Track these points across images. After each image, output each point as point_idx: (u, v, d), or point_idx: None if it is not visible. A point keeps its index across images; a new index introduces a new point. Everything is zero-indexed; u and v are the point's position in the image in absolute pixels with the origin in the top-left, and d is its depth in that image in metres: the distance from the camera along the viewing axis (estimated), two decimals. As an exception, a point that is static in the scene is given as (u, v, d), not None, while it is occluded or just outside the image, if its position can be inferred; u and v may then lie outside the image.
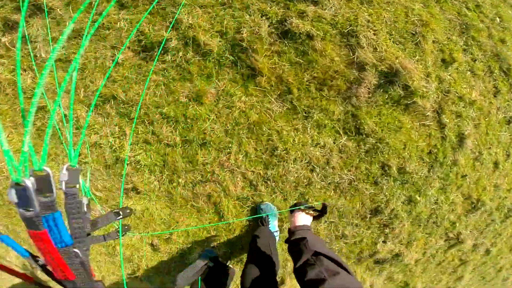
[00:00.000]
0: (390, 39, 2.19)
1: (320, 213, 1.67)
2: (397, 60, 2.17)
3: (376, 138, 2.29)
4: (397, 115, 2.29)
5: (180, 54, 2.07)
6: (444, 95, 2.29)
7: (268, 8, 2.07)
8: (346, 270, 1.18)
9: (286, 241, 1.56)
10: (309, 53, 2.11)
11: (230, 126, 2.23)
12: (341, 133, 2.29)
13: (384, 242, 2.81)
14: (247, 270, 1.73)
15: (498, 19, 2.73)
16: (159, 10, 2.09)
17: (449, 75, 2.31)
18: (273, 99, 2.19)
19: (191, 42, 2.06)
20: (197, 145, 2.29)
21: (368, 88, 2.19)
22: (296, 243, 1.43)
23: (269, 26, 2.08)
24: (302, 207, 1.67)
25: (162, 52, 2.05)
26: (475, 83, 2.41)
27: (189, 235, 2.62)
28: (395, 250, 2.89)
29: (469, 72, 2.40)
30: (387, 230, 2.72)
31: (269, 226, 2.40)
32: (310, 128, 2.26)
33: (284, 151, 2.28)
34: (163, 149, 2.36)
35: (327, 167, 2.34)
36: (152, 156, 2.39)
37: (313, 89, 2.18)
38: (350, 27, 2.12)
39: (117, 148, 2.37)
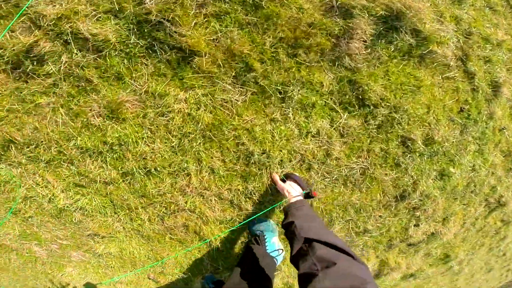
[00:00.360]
0: None
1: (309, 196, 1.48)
2: None
3: (389, 106, 1.59)
4: (411, 70, 1.58)
5: (64, 58, 1.29)
6: (465, 38, 1.62)
7: None
8: (347, 254, 0.99)
9: (282, 224, 1.37)
10: (263, 4, 1.34)
11: (176, 140, 1.51)
12: (339, 110, 1.57)
13: (416, 225, 2.25)
14: None
15: None
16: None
17: (466, 12, 1.58)
18: (227, 85, 1.44)
19: (71, 38, 1.27)
20: (141, 175, 1.61)
21: (364, 41, 1.45)
22: (286, 228, 1.28)
23: None
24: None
25: (36, 62, 1.29)
26: (497, 21, 1.73)
27: (182, 266, 2.15)
28: (429, 230, 2.34)
29: (487, 9, 1.73)
30: (418, 213, 2.14)
31: (266, 245, 1.81)
32: (292, 114, 1.55)
33: (264, 155, 1.60)
34: (103, 189, 1.72)
35: (328, 160, 1.67)
36: (94, 199, 1.76)
37: (284, 56, 1.44)
38: None
39: (52, 198, 1.75)
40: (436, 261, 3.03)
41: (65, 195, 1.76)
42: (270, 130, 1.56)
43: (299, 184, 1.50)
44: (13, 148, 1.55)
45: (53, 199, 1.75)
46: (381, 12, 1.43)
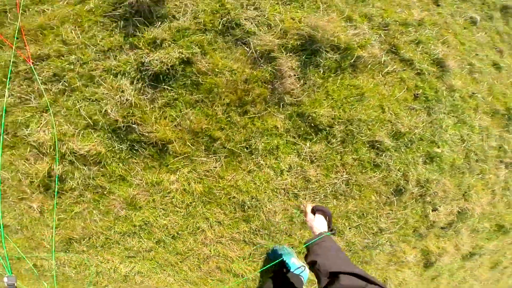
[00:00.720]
0: (277, 4, 1.70)
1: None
2: (302, 24, 1.66)
3: (343, 122, 1.78)
4: (349, 82, 1.77)
5: (76, 174, 1.77)
6: (384, 30, 1.74)
7: (115, 63, 1.71)
8: (373, 283, 1.04)
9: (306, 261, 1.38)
10: (201, 81, 1.70)
11: (183, 210, 1.89)
12: (300, 142, 1.81)
13: (434, 210, 2.25)
14: None
15: None
16: None
17: (372, 7, 1.74)
18: (203, 158, 1.80)
19: (73, 158, 1.74)
20: (169, 239, 2.01)
21: (294, 74, 1.71)
22: (310, 265, 1.30)
23: (131, 82, 1.71)
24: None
25: (59, 181, 1.80)
26: (407, 1, 1.83)
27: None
28: (454, 210, 2.31)
29: None
30: (428, 198, 2.16)
31: (289, 266, 2.02)
32: (263, 161, 1.82)
33: (253, 200, 1.87)
34: (147, 255, 2.16)
35: (310, 185, 1.88)
36: (144, 263, 2.21)
37: (237, 117, 1.75)
38: (222, 18, 1.67)
39: (115, 269, 2.26)
40: (492, 234, 2.86)
41: (123, 265, 2.20)
42: (250, 180, 1.84)
43: (327, 219, 1.49)
44: (74, 242, 2.07)
45: (116, 269, 2.23)
46: (296, 43, 1.67)
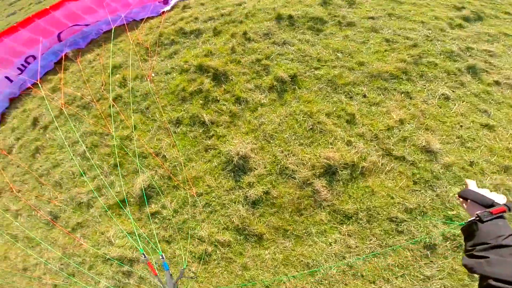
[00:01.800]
0: (303, 147, 2.99)
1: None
2: (321, 157, 2.90)
3: (364, 210, 2.82)
4: (362, 184, 2.83)
5: (218, 252, 3.48)
6: (376, 140, 2.72)
7: (232, 196, 3.34)
8: None
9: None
10: (275, 202, 3.14)
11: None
12: (338, 226, 2.96)
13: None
14: None
15: (339, 54, 3.19)
16: None
17: (362, 125, 2.77)
18: (281, 240, 3.18)
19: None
20: None
21: (326, 188, 2.93)
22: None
23: (243, 206, 3.29)
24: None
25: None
26: (386, 108, 2.70)
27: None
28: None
29: (373, 107, 2.80)
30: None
31: None
32: (317, 238, 3.04)
33: (314, 261, 3.07)
34: None
35: (351, 249, 2.93)
36: None
37: (297, 217, 3.08)
38: (277, 166, 3.08)
39: None
40: None
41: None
42: (311, 250, 3.08)
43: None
44: None
45: None
46: (321, 170, 2.91)
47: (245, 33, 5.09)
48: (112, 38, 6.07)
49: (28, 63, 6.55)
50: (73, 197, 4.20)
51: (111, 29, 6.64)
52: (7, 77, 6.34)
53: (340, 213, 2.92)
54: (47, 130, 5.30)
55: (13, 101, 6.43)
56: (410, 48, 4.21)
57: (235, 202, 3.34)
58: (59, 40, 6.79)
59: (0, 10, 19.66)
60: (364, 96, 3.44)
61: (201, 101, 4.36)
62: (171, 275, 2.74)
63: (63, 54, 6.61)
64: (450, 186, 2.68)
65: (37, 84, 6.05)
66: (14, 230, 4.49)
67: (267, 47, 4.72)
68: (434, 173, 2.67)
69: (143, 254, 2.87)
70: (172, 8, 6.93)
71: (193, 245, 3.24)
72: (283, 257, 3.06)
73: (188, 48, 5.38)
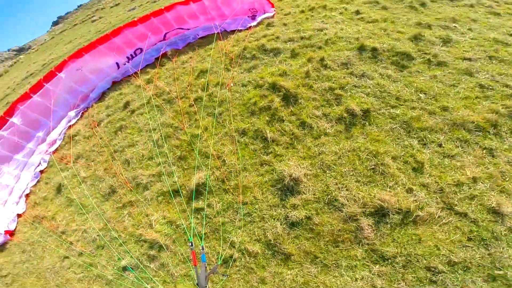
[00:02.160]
0: (359, 184, 2.89)
1: None
2: (375, 198, 2.80)
3: (403, 255, 2.70)
4: (410, 231, 2.70)
5: (242, 259, 3.53)
6: (440, 193, 2.52)
7: (274, 212, 3.39)
8: None
9: None
10: (314, 228, 3.11)
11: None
12: (371, 265, 2.80)
13: None
14: None
15: (422, 95, 2.94)
16: None
17: (429, 175, 2.57)
18: (308, 265, 3.08)
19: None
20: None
21: (371, 227, 2.82)
22: None
23: (281, 224, 3.31)
24: None
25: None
26: (461, 163, 2.48)
27: None
28: None
29: (446, 159, 2.56)
30: None
31: None
32: (344, 272, 2.91)
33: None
34: None
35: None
36: None
37: (332, 248, 3.01)
38: (327, 196, 3.05)
39: None
40: None
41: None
42: (339, 283, 2.93)
43: None
44: None
45: None
46: (371, 210, 2.82)
47: (322, 59, 5.23)
48: (211, 44, 6.76)
49: (136, 55, 7.82)
50: (136, 176, 4.80)
51: (207, 35, 7.49)
52: (117, 63, 7.65)
53: (377, 253, 2.80)
54: (133, 113, 6.21)
55: (114, 84, 7.67)
56: (507, 98, 3.84)
57: (274, 219, 3.45)
58: (164, 39, 7.91)
59: (124, 4, 23.76)
60: (440, 145, 3.21)
61: (267, 118, 4.62)
62: (206, 267, 2.93)
63: (164, 51, 7.63)
64: (508, 248, 2.32)
65: (137, 73, 7.16)
66: (73, 195, 5.25)
67: (343, 76, 4.76)
68: (495, 234, 2.36)
69: (191, 242, 3.12)
70: (258, 24, 7.52)
71: (222, 247, 3.39)
72: (304, 281, 3.08)
73: (265, 65, 5.77)
